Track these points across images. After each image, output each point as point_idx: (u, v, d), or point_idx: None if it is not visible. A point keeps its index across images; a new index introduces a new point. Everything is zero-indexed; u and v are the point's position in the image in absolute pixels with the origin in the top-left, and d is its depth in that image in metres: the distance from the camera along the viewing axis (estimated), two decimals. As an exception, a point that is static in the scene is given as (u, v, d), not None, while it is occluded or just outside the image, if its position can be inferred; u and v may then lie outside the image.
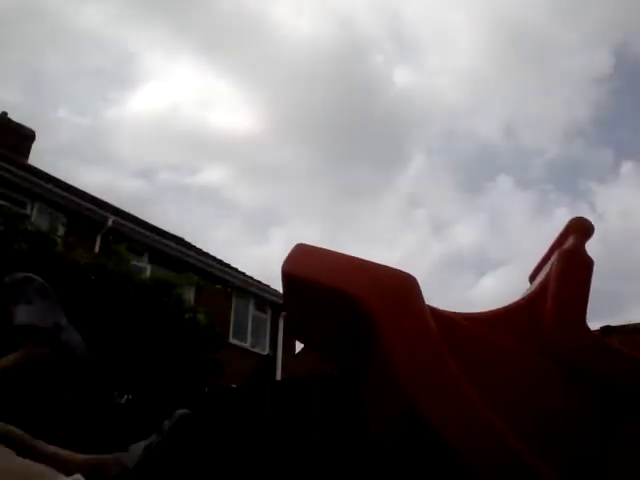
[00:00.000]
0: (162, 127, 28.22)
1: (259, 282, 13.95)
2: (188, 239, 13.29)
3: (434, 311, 0.98)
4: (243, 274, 13.20)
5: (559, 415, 0.96)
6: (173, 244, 11.68)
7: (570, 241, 1.05)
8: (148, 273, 9.47)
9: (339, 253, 1.03)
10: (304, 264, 1.01)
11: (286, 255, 1.02)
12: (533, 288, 1.13)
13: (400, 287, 0.95)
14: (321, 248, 1.11)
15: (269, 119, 31.40)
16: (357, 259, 0.99)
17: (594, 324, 1.03)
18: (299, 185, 31.87)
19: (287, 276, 1.02)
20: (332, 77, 30.50)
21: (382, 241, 36.86)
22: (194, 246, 12.99)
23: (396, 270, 0.96)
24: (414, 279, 0.95)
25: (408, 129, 34.24)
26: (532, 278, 1.27)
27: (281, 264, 1.02)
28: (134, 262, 9.14)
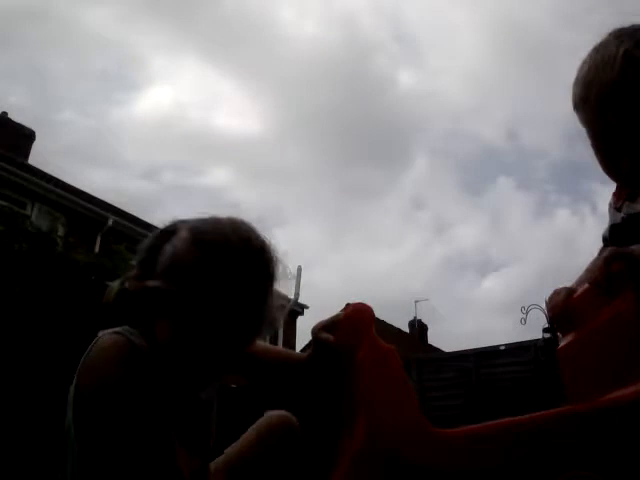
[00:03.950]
0: (166, 128, 28.21)
1: (259, 282, 13.95)
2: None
3: None
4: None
5: None
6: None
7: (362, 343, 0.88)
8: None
9: None
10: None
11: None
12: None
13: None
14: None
15: (273, 120, 31.39)
16: None
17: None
18: (303, 186, 31.83)
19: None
20: (336, 78, 30.43)
21: (385, 242, 36.82)
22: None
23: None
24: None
25: (411, 130, 34.17)
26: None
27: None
28: (134, 262, 9.10)
